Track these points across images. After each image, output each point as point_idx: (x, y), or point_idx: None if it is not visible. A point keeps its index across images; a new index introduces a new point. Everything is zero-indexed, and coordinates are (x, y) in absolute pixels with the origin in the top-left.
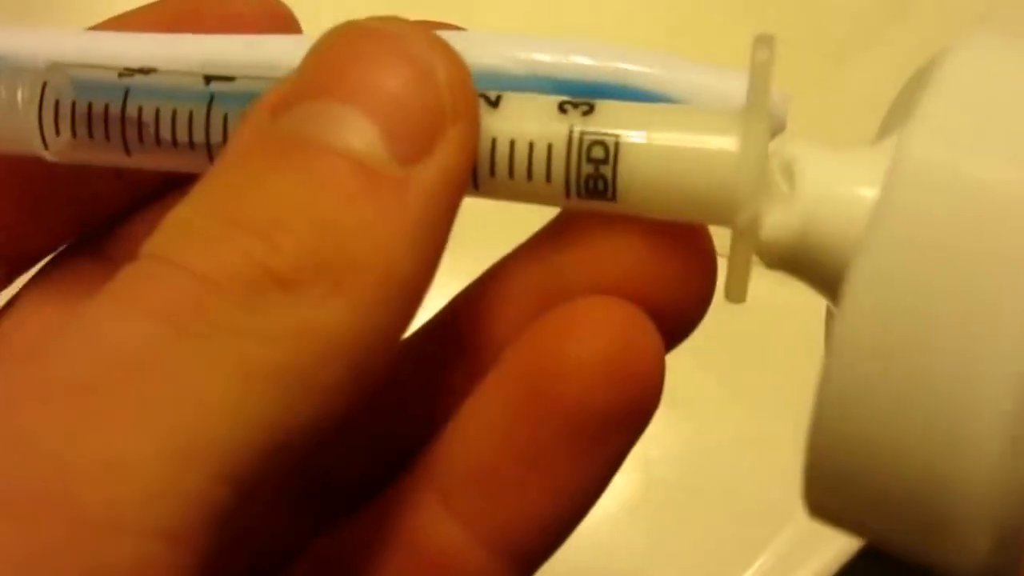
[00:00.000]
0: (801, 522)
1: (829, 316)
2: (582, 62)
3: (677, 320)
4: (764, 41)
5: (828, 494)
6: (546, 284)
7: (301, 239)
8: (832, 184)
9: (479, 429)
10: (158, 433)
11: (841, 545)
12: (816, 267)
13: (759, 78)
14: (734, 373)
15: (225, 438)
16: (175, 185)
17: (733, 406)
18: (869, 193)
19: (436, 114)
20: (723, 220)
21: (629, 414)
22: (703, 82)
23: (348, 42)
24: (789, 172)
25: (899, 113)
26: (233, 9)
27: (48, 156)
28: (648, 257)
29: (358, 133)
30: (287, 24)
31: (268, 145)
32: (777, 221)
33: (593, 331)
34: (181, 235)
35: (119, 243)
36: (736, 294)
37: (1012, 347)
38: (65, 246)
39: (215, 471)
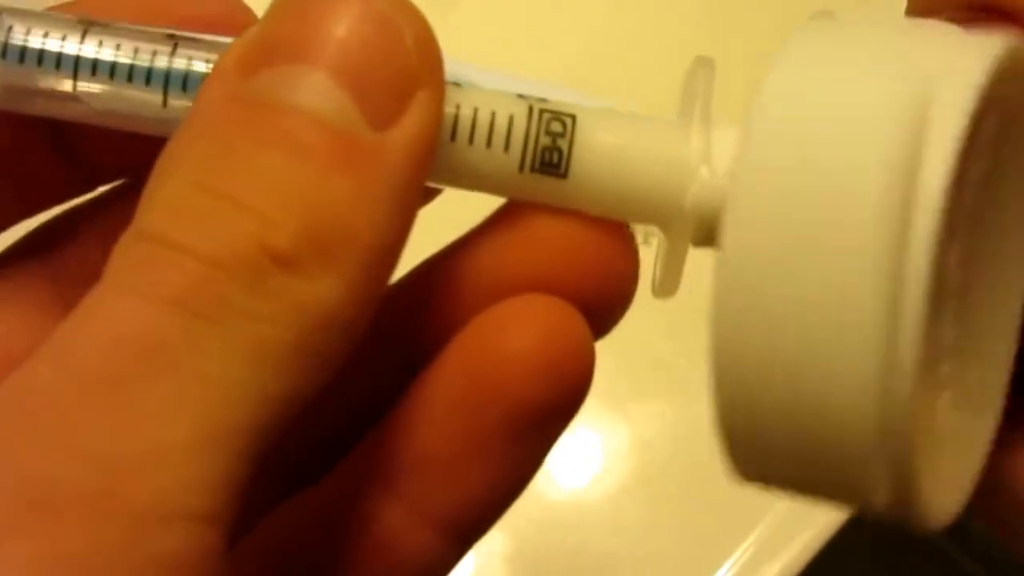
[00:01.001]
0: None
1: None
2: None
3: (604, 314)
4: (705, 61)
5: (745, 457)
6: (482, 279)
7: (294, 215)
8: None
9: (421, 418)
10: (188, 420)
11: (830, 519)
12: None
13: (704, 89)
14: None
15: (246, 418)
16: (123, 189)
17: None
18: None
19: (406, 77)
20: (664, 210)
21: (562, 404)
22: None
23: (315, 1)
24: (706, 151)
25: None
26: (202, 10)
27: None
28: (578, 254)
29: (333, 100)
30: None
31: (243, 111)
32: (698, 200)
33: (529, 328)
34: (174, 212)
35: (73, 256)
36: (668, 289)
37: (873, 267)
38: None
39: (240, 451)
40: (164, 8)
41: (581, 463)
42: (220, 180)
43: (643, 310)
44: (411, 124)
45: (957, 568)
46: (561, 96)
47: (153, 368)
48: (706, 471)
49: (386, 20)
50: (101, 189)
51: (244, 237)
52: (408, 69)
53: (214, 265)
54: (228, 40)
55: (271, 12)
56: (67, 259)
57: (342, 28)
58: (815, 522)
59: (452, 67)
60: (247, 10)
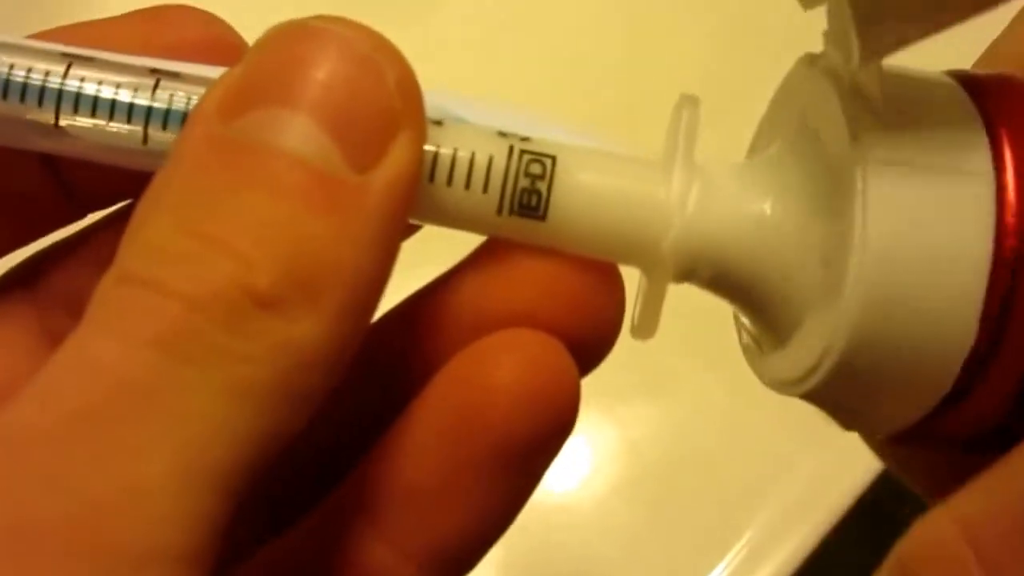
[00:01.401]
0: (781, 500)
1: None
2: (512, 121)
3: (590, 347)
4: (690, 100)
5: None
6: (467, 314)
7: (275, 256)
8: (724, 199)
9: (406, 452)
10: (168, 458)
11: (820, 520)
12: (720, 277)
13: (688, 129)
14: (715, 358)
15: (226, 457)
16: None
17: (714, 389)
18: (758, 206)
19: (388, 119)
20: (644, 252)
21: (548, 437)
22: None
23: (296, 43)
24: (687, 193)
25: (768, 134)
26: (189, 35)
27: None
28: (563, 289)
29: (314, 142)
30: (238, 56)
31: (225, 154)
32: (679, 238)
33: (514, 361)
34: (155, 254)
35: (59, 287)
36: (647, 331)
37: None
38: None
39: (220, 489)
40: (151, 35)
41: (570, 465)
42: (201, 221)
43: (632, 312)
44: (392, 166)
45: None
46: (546, 127)
47: (133, 407)
48: (696, 473)
49: (368, 62)
50: (90, 218)
51: (225, 278)
52: (390, 111)
53: (194, 306)
54: (211, 75)
55: (252, 54)
56: (53, 290)
57: (323, 71)
58: (807, 524)
59: (435, 99)
60: (235, 33)
